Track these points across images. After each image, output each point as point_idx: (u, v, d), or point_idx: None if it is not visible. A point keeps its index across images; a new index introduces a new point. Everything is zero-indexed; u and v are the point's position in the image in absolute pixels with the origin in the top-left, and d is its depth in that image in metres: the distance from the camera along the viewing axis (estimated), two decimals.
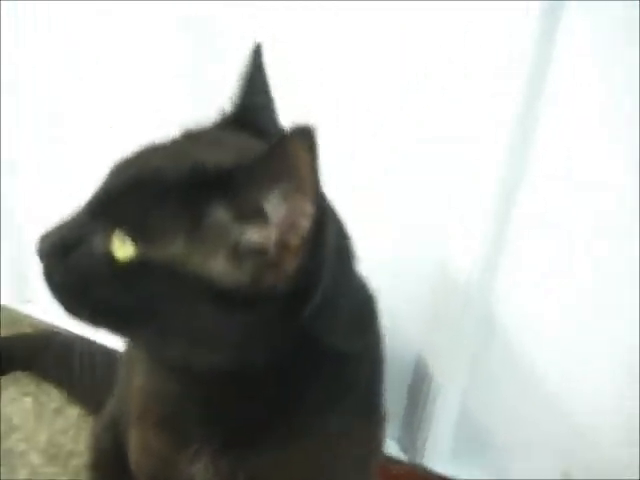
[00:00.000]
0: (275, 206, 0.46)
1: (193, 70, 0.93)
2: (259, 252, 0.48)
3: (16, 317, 1.24)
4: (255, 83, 0.59)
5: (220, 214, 0.47)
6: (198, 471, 0.59)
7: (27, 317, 1.23)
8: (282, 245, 0.47)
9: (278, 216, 0.46)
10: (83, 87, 1.01)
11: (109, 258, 0.49)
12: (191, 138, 0.56)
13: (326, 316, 0.53)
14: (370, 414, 0.66)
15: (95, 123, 1.02)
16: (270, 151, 0.45)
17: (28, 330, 1.21)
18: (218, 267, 0.48)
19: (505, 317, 0.88)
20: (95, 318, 0.52)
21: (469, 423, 0.96)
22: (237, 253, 0.48)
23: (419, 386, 0.96)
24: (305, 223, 0.46)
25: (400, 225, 0.88)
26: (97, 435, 0.86)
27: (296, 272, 0.48)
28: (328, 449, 0.60)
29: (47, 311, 1.21)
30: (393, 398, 0.96)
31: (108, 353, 1.02)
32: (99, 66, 0.99)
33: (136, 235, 0.48)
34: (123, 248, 0.48)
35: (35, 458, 1.03)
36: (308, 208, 0.45)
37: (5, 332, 1.21)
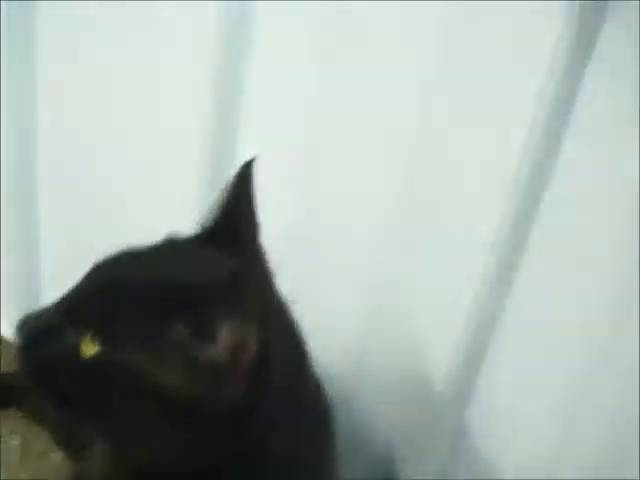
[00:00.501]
0: (228, 331, 0.51)
1: None
2: (211, 370, 0.52)
3: None
4: (241, 198, 0.62)
5: (180, 331, 0.52)
6: None
7: None
8: (232, 366, 0.52)
9: (230, 340, 0.51)
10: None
11: (76, 354, 0.53)
12: (168, 249, 0.60)
13: (276, 430, 0.57)
14: None
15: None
16: (228, 283, 0.50)
17: None
18: (173, 379, 0.52)
19: (477, 435, 0.89)
20: (57, 404, 0.57)
21: None
22: (192, 368, 0.52)
23: None
24: (253, 350, 0.51)
25: (378, 324, 0.90)
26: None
27: (245, 391, 0.52)
28: None
29: None
30: None
31: None
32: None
33: (102, 339, 0.53)
34: (90, 347, 0.53)
35: None
36: (256, 338, 0.51)
37: (11, 367, 1.25)
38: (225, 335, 0.51)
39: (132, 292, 0.54)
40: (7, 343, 1.26)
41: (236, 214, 0.61)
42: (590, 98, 0.69)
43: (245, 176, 0.62)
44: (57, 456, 1.11)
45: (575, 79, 0.69)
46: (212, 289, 0.51)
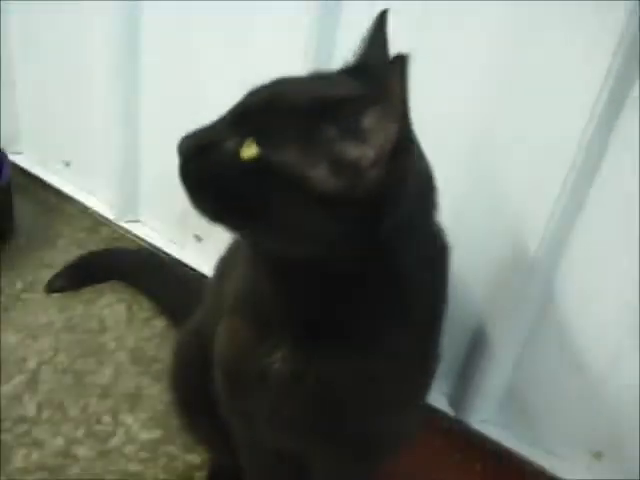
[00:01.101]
0: (369, 129, 0.56)
1: None
2: (354, 165, 0.57)
3: (122, 234, 1.36)
4: (376, 41, 0.68)
5: (329, 133, 0.57)
6: (275, 361, 0.68)
7: (131, 235, 1.35)
8: (373, 161, 0.57)
9: (371, 137, 0.56)
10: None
11: (237, 158, 0.59)
12: (317, 76, 0.67)
13: (404, 243, 0.62)
14: (429, 348, 0.74)
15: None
16: (371, 89, 0.57)
17: (131, 247, 1.33)
18: (321, 174, 0.57)
19: (565, 296, 0.93)
20: (215, 209, 0.62)
21: (516, 391, 1.02)
22: (337, 164, 0.57)
23: (475, 348, 1.02)
24: (392, 139, 0.56)
25: (473, 191, 0.94)
26: (181, 342, 0.96)
27: (380, 185, 0.57)
28: (388, 366, 0.68)
29: (151, 232, 1.33)
30: (449, 355, 1.01)
31: (195, 277, 1.14)
32: None
33: (262, 142, 0.59)
34: (250, 150, 0.59)
35: (122, 357, 1.14)
36: (394, 129, 0.56)
37: (110, 246, 1.34)
38: (370, 129, 0.56)
39: (287, 102, 0.60)
40: (100, 220, 1.38)
41: (374, 55, 0.68)
42: None
43: (380, 23, 0.69)
44: (160, 323, 1.20)
45: None
46: (358, 97, 0.57)
